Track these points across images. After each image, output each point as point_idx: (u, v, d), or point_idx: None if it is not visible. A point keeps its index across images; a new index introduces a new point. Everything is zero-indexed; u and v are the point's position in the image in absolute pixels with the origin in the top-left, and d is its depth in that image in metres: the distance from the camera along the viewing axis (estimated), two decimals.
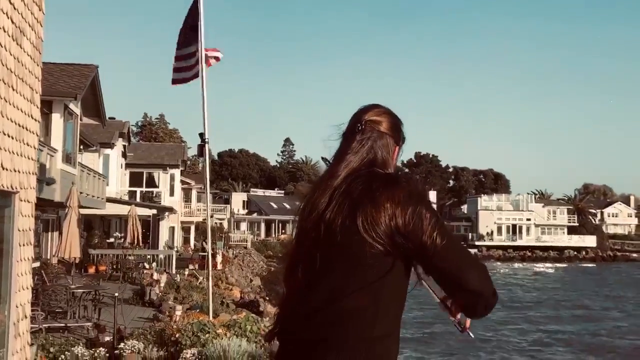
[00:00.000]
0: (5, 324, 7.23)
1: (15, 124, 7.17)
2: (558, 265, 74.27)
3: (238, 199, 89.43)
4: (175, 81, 11.12)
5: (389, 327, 1.98)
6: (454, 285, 1.95)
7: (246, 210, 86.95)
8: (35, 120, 8.06)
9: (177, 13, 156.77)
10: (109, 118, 31.69)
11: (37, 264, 17.78)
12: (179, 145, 56.98)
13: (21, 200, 7.44)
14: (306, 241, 2.05)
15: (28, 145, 7.72)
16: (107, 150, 32.23)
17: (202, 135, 10.43)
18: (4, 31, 6.73)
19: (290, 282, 2.09)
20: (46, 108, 17.25)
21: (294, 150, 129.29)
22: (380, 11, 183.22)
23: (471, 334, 2.06)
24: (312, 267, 2.00)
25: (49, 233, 24.58)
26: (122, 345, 9.72)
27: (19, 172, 7.29)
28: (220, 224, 65.78)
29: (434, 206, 2.05)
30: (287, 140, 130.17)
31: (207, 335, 9.64)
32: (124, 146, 37.02)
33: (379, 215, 1.92)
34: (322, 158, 2.21)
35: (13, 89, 7.02)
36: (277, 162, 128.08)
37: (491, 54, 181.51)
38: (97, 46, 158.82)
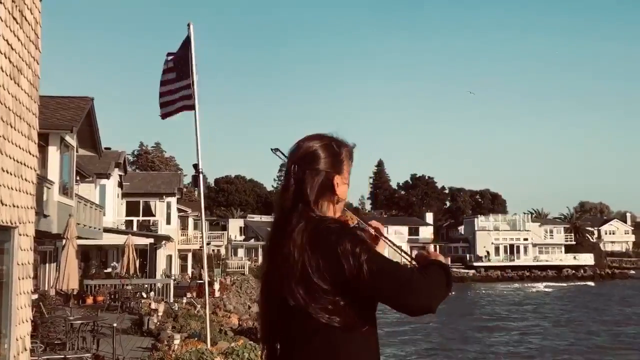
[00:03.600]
0: (6, 357, 7.33)
1: (14, 160, 7.33)
2: (557, 284, 74.15)
3: (235, 225, 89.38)
4: (168, 114, 11.32)
5: None
6: (398, 308, 1.97)
7: (243, 237, 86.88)
8: (33, 155, 8.23)
9: (170, 42, 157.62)
10: (105, 148, 31.85)
11: (35, 296, 17.82)
12: (174, 173, 57.16)
13: (20, 235, 7.59)
14: None
15: (26, 180, 7.88)
16: (104, 181, 32.41)
17: (196, 166, 10.61)
18: (2, 71, 6.92)
19: None
20: (42, 141, 17.42)
21: None
22: (372, 29, 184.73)
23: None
24: None
25: (47, 265, 24.62)
26: None
27: (17, 207, 7.45)
28: (218, 250, 65.72)
29: (362, 236, 2.05)
30: (283, 165, 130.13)
31: None
32: (120, 176, 37.17)
33: (306, 268, 1.99)
34: (272, 149, 2.30)
35: (11, 127, 7.20)
36: (273, 187, 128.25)
37: (486, 74, 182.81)
38: (92, 75, 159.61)
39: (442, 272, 2.04)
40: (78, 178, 25.44)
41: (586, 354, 27.16)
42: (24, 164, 7.78)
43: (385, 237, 2.26)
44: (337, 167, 2.19)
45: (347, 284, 1.97)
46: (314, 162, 2.16)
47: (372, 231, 2.23)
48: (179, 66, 11.02)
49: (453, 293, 2.02)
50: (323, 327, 1.98)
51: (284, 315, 2.06)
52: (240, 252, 79.19)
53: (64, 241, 15.83)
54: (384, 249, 2.24)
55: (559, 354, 27.19)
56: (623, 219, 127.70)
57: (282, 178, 2.26)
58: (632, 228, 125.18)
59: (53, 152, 18.57)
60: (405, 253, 2.26)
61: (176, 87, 11.01)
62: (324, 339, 1.98)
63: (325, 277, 1.98)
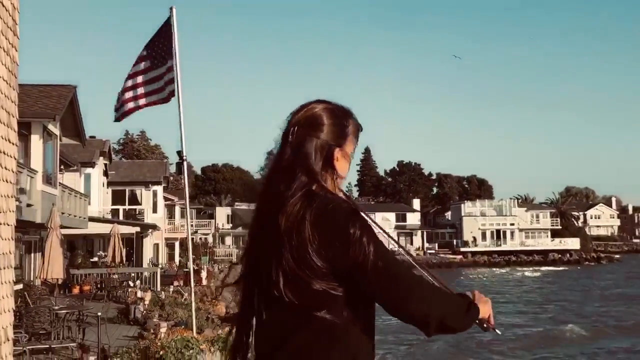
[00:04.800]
0: None
1: None
2: (543, 269, 74.76)
3: (222, 213, 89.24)
4: (134, 109, 11.04)
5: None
6: (395, 311, 1.82)
7: (231, 225, 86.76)
8: (13, 143, 8.12)
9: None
10: (90, 137, 31.68)
11: (20, 286, 17.70)
12: (160, 162, 56.86)
13: (0, 224, 7.49)
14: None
15: (6, 169, 7.77)
16: (88, 170, 32.21)
17: (180, 153, 10.53)
18: None
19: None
20: (25, 130, 17.26)
21: None
22: (361, 21, 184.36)
23: (498, 331, 2.00)
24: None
25: (32, 254, 24.46)
26: None
27: None
28: (205, 239, 65.66)
29: (369, 223, 1.86)
30: (270, 152, 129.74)
31: (191, 351, 9.71)
32: (105, 165, 36.97)
33: (304, 245, 1.80)
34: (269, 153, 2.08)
35: None
36: (260, 174, 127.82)
37: (472, 60, 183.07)
38: (75, 63, 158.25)
39: (464, 303, 1.90)
40: (62, 167, 25.25)
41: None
42: (4, 152, 7.67)
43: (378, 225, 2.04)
44: (340, 139, 1.98)
45: (347, 272, 1.80)
46: (317, 128, 1.95)
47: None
48: (154, 54, 10.82)
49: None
50: (317, 317, 1.81)
51: (270, 302, 1.87)
52: (228, 240, 79.13)
53: (47, 231, 15.72)
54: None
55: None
56: (608, 204, 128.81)
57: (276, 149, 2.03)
58: (618, 212, 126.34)
59: (36, 141, 18.39)
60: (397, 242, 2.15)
61: (152, 77, 10.83)
62: (319, 328, 1.81)
63: (325, 259, 1.79)
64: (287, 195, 1.88)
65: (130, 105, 10.89)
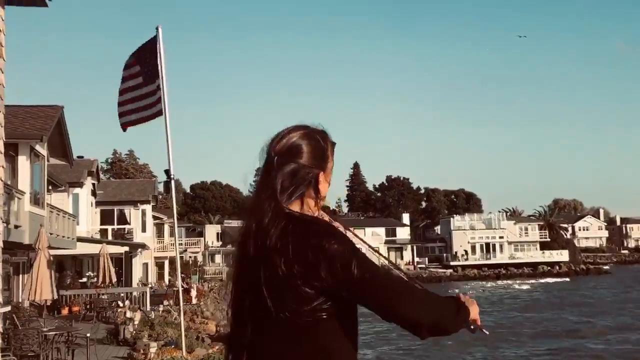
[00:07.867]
0: None
1: None
2: (533, 281, 74.85)
3: (212, 231, 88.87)
4: (131, 122, 11.20)
5: None
6: (388, 317, 1.87)
7: (220, 242, 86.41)
8: (0, 166, 8.12)
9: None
10: (77, 157, 31.62)
11: (9, 308, 17.56)
12: (148, 180, 56.68)
13: None
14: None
15: None
16: (77, 190, 32.10)
17: (167, 171, 10.55)
18: None
19: None
20: (12, 151, 17.21)
21: None
22: (351, 31, 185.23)
23: (485, 331, 2.04)
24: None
25: (20, 276, 24.29)
26: None
27: None
28: (195, 257, 65.39)
29: (350, 239, 1.91)
30: (259, 169, 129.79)
31: None
32: (93, 184, 36.83)
33: (284, 266, 1.86)
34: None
35: None
36: (249, 192, 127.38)
37: (457, 74, 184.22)
38: (62, 84, 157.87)
39: (454, 305, 1.96)
40: (50, 187, 25.15)
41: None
42: None
43: (364, 241, 2.15)
44: (322, 163, 2.06)
45: (333, 289, 1.86)
46: (298, 155, 2.02)
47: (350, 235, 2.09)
48: (145, 71, 10.90)
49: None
50: (309, 328, 1.87)
51: (260, 318, 1.93)
52: (218, 258, 78.73)
53: (35, 252, 15.63)
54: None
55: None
56: (596, 215, 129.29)
57: (259, 173, 2.12)
58: (606, 224, 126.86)
59: (23, 162, 18.32)
60: (380, 254, 2.20)
61: (143, 93, 10.91)
62: (312, 339, 1.88)
63: (309, 281, 1.85)
64: (269, 224, 1.94)
65: (132, 117, 11.08)
